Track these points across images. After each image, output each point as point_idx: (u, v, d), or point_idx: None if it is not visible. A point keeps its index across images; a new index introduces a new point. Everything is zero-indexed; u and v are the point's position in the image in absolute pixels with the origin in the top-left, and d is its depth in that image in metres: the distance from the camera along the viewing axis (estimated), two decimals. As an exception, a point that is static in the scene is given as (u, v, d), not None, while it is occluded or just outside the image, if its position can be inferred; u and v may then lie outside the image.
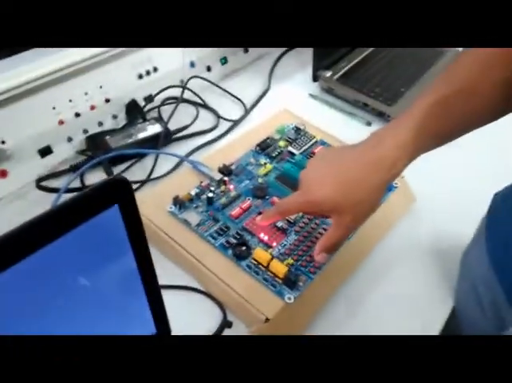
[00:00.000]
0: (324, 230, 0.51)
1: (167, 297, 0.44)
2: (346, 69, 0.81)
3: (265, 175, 0.57)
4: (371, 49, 0.87)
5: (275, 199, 0.54)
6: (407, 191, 0.60)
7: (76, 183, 0.57)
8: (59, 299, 0.31)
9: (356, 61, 0.83)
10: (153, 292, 0.38)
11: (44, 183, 0.56)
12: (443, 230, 0.58)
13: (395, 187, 0.58)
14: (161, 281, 0.47)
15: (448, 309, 0.50)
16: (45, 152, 0.59)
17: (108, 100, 0.64)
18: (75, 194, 0.30)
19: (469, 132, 0.43)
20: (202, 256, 0.48)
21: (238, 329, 0.46)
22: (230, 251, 0.48)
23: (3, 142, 0.55)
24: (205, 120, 0.70)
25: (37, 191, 0.56)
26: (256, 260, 0.47)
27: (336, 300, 0.49)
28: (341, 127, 0.70)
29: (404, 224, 0.58)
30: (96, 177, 0.58)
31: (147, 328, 0.39)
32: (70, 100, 0.60)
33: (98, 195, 0.31)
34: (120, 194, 0.32)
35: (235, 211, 0.52)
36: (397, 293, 0.51)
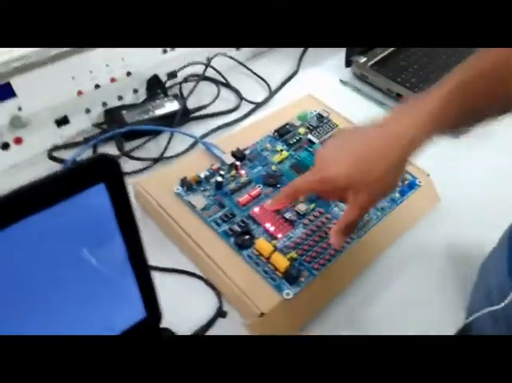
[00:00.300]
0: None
1: (164, 280, 0.43)
2: (382, 55, 0.76)
3: (280, 162, 0.55)
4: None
5: (286, 188, 0.51)
6: (431, 191, 0.56)
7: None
8: (44, 273, 0.30)
9: (392, 48, 0.78)
10: (143, 275, 0.37)
11: (56, 154, 0.56)
12: (466, 235, 0.53)
13: (419, 186, 0.55)
14: (160, 263, 0.47)
15: (460, 321, 0.47)
16: (62, 121, 0.58)
17: (129, 74, 0.63)
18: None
19: (491, 118, 0.41)
20: (202, 241, 0.46)
21: (233, 320, 0.44)
22: (232, 239, 0.46)
23: (20, 109, 0.54)
24: (227, 100, 0.67)
25: (49, 161, 0.56)
26: (258, 251, 0.45)
27: (342, 299, 0.47)
28: (370, 117, 0.66)
29: (425, 225, 0.54)
30: (108, 151, 0.57)
31: (137, 311, 0.38)
32: (91, 71, 0.59)
33: (82, 171, 0.30)
34: (106, 173, 0.31)
35: (243, 197, 0.50)
36: (406, 298, 0.48)
